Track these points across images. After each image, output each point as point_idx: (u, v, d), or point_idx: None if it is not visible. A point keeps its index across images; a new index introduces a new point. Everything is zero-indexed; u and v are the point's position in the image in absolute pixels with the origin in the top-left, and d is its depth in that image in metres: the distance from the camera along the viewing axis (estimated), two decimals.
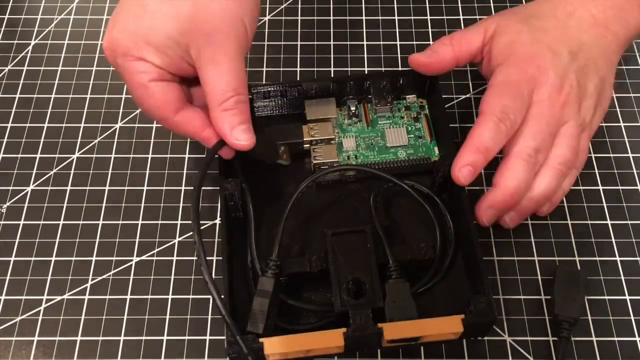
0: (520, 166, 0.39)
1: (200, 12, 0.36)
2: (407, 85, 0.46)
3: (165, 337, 0.40)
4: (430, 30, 0.53)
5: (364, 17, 0.53)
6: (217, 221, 0.43)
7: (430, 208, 0.41)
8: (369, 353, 0.39)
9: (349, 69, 0.50)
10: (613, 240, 0.43)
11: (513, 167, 0.39)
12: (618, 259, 0.42)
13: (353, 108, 0.46)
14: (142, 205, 0.44)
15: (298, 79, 0.46)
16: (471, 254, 0.39)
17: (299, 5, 0.54)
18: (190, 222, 0.43)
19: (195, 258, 0.42)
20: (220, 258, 0.40)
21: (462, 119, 0.48)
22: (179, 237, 0.43)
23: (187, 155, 0.46)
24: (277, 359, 0.36)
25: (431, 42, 0.51)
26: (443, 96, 0.45)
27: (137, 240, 0.43)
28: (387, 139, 0.45)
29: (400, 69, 0.49)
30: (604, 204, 0.44)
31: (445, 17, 0.53)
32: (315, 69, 0.50)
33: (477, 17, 0.53)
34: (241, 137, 0.37)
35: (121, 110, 0.48)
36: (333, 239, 0.39)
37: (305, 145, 0.44)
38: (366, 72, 0.50)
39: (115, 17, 0.37)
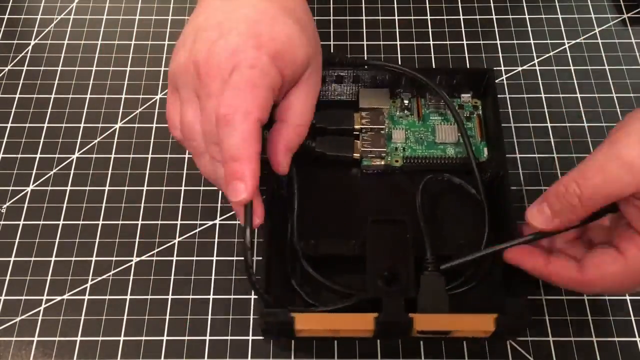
0: None
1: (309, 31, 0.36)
2: (462, 84, 0.46)
3: (165, 337, 0.40)
4: (430, 30, 0.53)
5: (364, 17, 0.53)
6: (217, 221, 0.43)
7: (486, 207, 0.41)
8: (371, 351, 0.39)
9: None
10: None
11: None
12: None
13: (406, 101, 0.46)
14: (142, 205, 0.44)
15: None
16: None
17: None
18: (189, 222, 0.43)
19: (194, 258, 0.42)
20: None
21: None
22: (179, 237, 0.43)
23: (187, 155, 0.46)
24: (305, 335, 0.36)
25: (431, 42, 0.52)
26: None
27: (137, 240, 0.43)
28: (437, 134, 0.44)
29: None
30: None
31: (445, 17, 0.53)
32: None
33: (477, 16, 0.53)
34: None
35: (121, 110, 0.48)
36: (373, 226, 0.39)
37: (354, 133, 0.44)
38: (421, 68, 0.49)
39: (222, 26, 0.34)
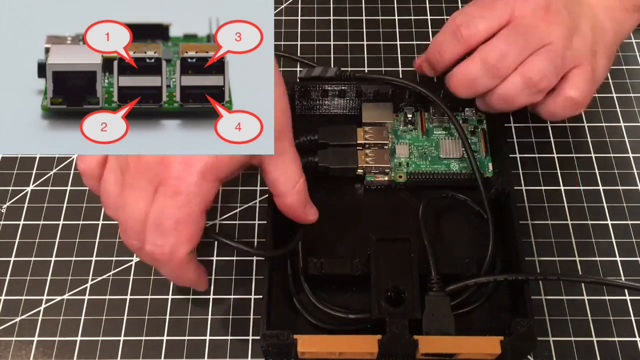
0: (477, 62, 0.39)
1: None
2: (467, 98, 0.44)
3: (165, 337, 0.40)
4: (430, 30, 0.53)
5: (364, 17, 0.53)
6: (217, 221, 0.43)
7: (491, 224, 0.40)
8: None
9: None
10: (613, 240, 0.43)
11: (470, 60, 0.39)
12: (618, 259, 0.42)
13: (410, 115, 0.45)
14: None
15: (298, 79, 0.46)
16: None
17: (299, 5, 0.54)
18: None
19: None
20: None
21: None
22: None
23: None
24: (308, 357, 0.36)
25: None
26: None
27: None
28: (442, 149, 0.44)
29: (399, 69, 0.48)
30: (604, 204, 0.44)
31: (445, 17, 0.53)
32: None
33: None
34: (311, 212, 0.38)
35: None
36: (377, 244, 0.38)
37: (357, 148, 0.43)
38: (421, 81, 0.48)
39: None
